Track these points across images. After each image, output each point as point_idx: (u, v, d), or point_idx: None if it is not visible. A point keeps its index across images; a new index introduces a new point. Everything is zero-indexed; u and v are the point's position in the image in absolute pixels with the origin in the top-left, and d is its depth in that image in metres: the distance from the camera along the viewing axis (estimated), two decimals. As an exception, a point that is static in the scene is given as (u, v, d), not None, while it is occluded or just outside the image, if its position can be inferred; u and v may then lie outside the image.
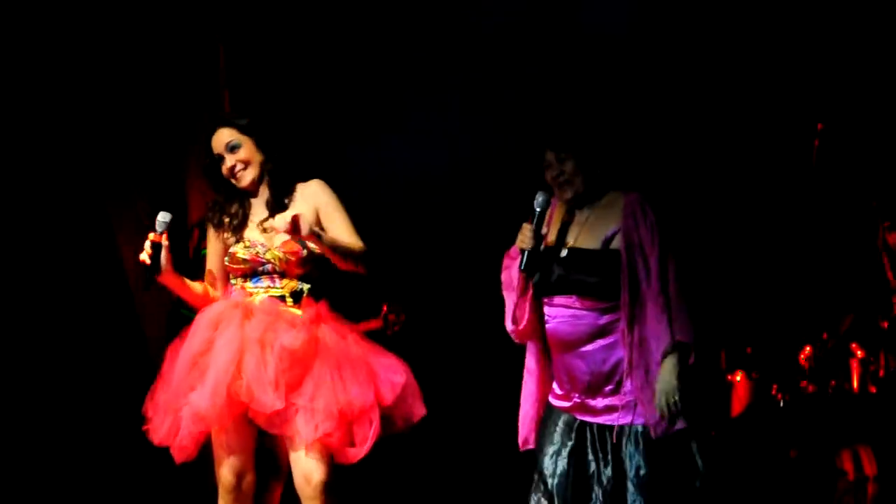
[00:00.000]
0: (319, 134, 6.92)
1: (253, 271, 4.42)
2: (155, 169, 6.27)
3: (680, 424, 4.07)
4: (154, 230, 4.35)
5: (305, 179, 4.54)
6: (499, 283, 4.35)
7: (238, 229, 4.49)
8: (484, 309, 4.74)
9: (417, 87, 7.00)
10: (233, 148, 4.47)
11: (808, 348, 6.50)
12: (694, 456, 4.11)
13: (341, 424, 4.30)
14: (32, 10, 5.89)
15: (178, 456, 4.32)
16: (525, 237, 4.16)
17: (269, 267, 4.41)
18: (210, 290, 4.57)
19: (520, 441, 4.37)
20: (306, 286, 4.45)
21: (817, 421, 6.15)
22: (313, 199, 4.49)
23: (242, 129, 4.49)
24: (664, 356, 4.06)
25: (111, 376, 5.96)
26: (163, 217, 4.37)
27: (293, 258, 4.40)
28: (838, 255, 6.90)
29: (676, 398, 4.03)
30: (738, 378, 6.70)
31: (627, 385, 4.12)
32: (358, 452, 4.34)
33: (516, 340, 4.38)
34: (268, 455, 4.60)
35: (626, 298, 4.10)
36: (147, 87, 6.25)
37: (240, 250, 4.45)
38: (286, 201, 4.49)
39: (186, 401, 4.27)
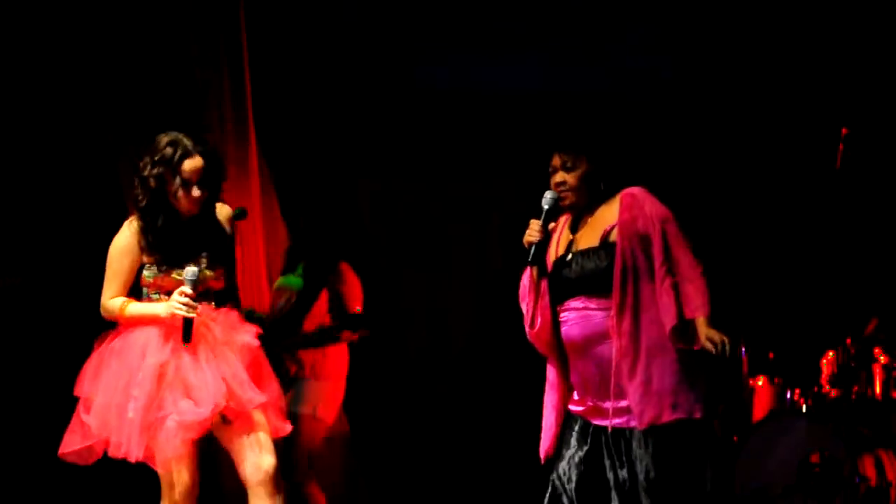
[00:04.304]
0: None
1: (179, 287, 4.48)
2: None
3: (669, 416, 4.09)
4: (190, 291, 4.37)
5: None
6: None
7: (174, 252, 4.49)
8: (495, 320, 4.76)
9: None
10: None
11: (830, 353, 6.48)
12: (701, 454, 4.13)
13: None
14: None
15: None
16: (533, 231, 4.23)
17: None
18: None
19: (541, 453, 4.39)
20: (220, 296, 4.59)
21: (839, 426, 6.13)
22: (227, 226, 4.62)
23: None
24: (675, 332, 4.07)
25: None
26: (191, 275, 4.40)
27: (219, 276, 4.55)
28: (862, 259, 6.89)
29: (726, 338, 4.00)
30: (760, 383, 6.70)
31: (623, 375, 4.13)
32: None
33: (539, 349, 4.40)
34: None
35: (618, 284, 4.13)
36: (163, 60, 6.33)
37: (175, 270, 4.50)
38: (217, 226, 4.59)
39: (167, 412, 4.34)
